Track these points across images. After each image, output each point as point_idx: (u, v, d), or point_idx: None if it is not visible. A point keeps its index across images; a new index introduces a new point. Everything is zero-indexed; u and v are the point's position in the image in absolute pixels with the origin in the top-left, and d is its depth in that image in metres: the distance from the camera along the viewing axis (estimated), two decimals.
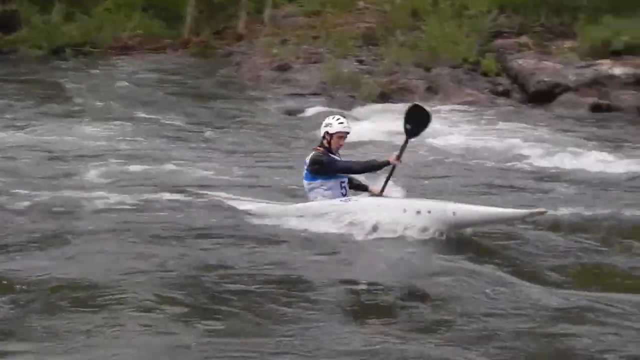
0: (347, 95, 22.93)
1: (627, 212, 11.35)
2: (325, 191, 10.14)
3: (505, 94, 23.45)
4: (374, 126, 18.88)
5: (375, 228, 9.48)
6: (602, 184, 13.67)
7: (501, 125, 19.57)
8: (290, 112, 21.53)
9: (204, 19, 32.78)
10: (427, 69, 24.31)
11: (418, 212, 9.44)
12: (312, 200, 10.24)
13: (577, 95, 22.60)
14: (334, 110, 21.17)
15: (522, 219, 9.48)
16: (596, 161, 15.48)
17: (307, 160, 10.26)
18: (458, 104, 22.19)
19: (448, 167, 15.17)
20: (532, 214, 9.20)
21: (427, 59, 24.61)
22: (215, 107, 21.42)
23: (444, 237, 9.38)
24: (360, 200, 9.99)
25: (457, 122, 19.63)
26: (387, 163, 9.96)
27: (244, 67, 27.15)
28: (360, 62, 25.32)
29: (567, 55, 24.48)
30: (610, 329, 7.04)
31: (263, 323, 7.01)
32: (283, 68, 25.58)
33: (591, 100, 22.26)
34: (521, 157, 15.95)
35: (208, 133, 17.94)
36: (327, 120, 10.36)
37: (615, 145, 17.41)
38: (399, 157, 9.88)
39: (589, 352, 6.59)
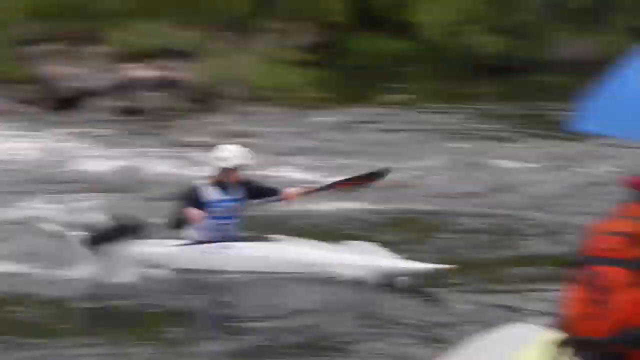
0: None
1: None
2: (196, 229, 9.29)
3: (33, 101, 23.31)
4: None
5: None
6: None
7: (28, 134, 19.41)
8: None
9: None
10: None
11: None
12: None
13: (106, 100, 23.05)
14: None
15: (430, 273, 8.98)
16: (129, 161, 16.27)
17: None
18: None
19: None
20: (437, 269, 8.83)
21: None
22: None
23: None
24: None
25: None
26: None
27: None
28: None
29: (95, 60, 24.76)
30: None
31: None
32: None
33: (120, 103, 22.83)
34: (50, 165, 16.06)
35: None
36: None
37: (146, 144, 18.36)
38: None
39: None
